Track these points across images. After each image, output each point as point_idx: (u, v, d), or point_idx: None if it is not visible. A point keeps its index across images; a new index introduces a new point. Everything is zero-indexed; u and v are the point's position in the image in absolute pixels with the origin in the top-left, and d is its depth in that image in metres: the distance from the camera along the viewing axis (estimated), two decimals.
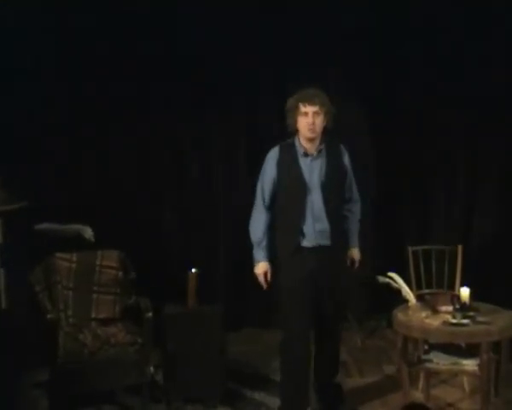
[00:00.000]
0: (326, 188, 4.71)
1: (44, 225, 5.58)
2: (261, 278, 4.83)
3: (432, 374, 5.09)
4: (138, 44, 6.36)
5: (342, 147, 4.91)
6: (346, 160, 4.89)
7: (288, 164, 4.76)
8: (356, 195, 4.98)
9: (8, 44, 5.91)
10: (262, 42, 6.46)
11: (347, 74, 6.58)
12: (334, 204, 4.75)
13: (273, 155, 4.82)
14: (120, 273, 5.38)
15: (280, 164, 4.78)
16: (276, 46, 6.48)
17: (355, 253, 4.99)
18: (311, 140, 4.74)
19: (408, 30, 6.47)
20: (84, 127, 6.38)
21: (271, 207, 4.82)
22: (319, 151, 4.76)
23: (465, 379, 5.23)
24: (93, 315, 5.28)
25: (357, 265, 5.01)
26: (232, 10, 6.40)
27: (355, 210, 4.98)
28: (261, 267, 4.83)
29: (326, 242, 4.71)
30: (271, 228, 4.83)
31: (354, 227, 4.98)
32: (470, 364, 4.69)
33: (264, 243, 4.80)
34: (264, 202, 4.81)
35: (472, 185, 6.66)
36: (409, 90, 6.59)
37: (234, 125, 6.70)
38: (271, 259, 4.85)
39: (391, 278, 4.79)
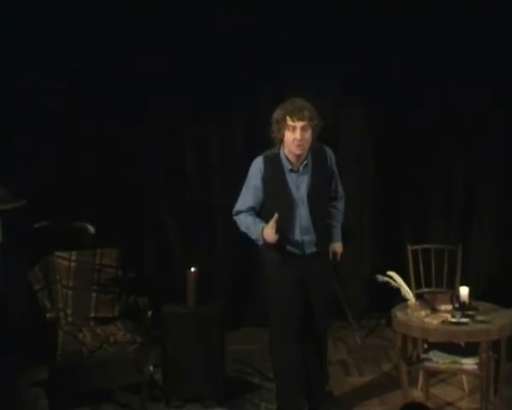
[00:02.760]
0: (313, 202, 4.65)
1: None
2: (272, 231, 4.47)
3: (431, 373, 5.09)
4: (139, 44, 6.37)
5: (326, 148, 4.78)
6: (331, 161, 4.78)
7: (275, 180, 4.65)
8: (341, 192, 4.93)
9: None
10: (262, 42, 6.45)
11: (347, 75, 6.57)
12: (321, 215, 4.73)
13: (258, 168, 4.68)
14: (120, 272, 5.36)
15: (266, 179, 4.65)
16: (277, 46, 6.47)
17: (337, 246, 4.95)
18: (298, 155, 4.63)
19: (409, 31, 6.47)
20: (83, 127, 6.39)
21: (255, 214, 4.72)
22: (305, 165, 4.67)
23: (464, 378, 5.23)
24: (92, 314, 5.26)
25: (338, 258, 4.97)
26: (232, 10, 6.40)
27: (339, 206, 4.94)
28: (266, 228, 4.51)
29: (313, 249, 4.71)
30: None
31: (337, 222, 4.94)
32: (469, 363, 4.69)
33: (256, 220, 4.63)
34: (248, 210, 4.69)
35: (472, 184, 6.66)
36: (409, 90, 6.59)
37: (234, 126, 6.69)
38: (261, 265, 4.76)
39: (390, 276, 4.78)
